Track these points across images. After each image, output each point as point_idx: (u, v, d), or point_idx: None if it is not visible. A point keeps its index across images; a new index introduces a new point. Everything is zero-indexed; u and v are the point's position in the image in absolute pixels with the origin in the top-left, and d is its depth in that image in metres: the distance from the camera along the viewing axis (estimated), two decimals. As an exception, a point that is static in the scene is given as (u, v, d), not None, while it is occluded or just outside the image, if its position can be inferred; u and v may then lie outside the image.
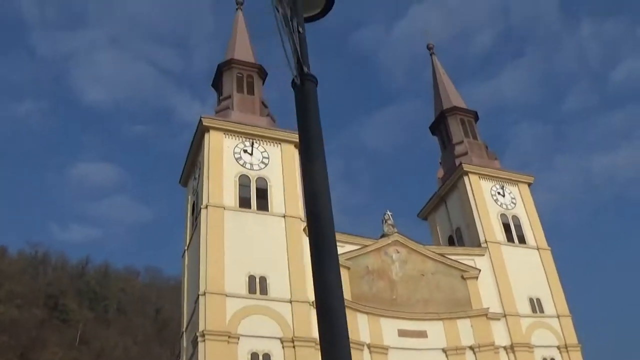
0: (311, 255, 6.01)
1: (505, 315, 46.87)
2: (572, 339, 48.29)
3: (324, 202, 6.24)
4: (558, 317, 48.99)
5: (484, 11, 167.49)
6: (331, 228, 6.05)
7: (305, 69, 6.75)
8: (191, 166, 48.67)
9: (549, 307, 49.30)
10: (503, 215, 52.69)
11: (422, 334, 44.05)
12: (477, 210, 51.32)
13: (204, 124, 45.46)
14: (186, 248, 46.42)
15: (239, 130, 46.48)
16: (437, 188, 56.41)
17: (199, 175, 46.24)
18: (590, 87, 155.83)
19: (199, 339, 37.63)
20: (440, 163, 58.28)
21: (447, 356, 43.89)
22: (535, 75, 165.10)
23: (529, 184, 55.76)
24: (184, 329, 43.34)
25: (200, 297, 39.14)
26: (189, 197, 48.57)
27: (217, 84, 52.74)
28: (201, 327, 38.01)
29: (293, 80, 6.76)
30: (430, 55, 64.21)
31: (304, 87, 6.73)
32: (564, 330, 48.48)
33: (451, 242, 53.11)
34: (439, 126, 59.64)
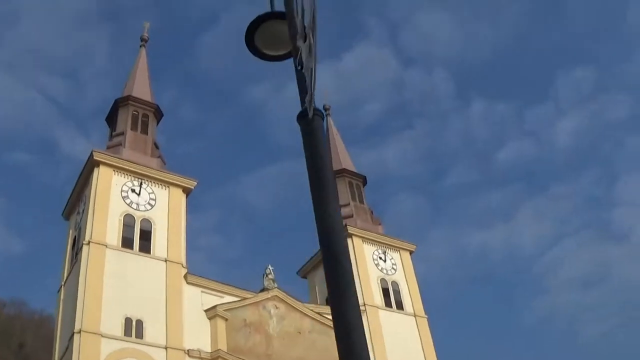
0: (329, 294, 6.38)
1: (379, 381, 48.58)
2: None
3: (339, 237, 6.69)
4: (430, 385, 51.20)
5: (379, 82, 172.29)
6: (348, 263, 6.30)
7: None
8: (76, 200, 48.73)
9: (421, 375, 51.43)
10: (383, 280, 54.87)
11: (294, 392, 45.12)
12: (358, 273, 53.11)
13: (94, 158, 45.86)
14: (63, 283, 46.08)
15: (129, 168, 47.14)
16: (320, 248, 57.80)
17: (83, 210, 46.33)
18: (473, 166, 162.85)
19: (71, 379, 37.49)
20: (325, 223, 59.83)
21: (318, 417, 45.09)
22: (420, 149, 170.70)
23: (411, 252, 58.36)
24: None
25: (75, 335, 39.07)
26: (71, 231, 48.43)
27: (111, 119, 53.13)
28: (74, 367, 37.91)
29: (301, 113, 7.25)
30: (326, 116, 66.33)
31: (313, 121, 7.11)
32: (436, 398, 50.74)
33: (330, 302, 54.38)
34: (326, 187, 61.31)
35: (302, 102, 7.38)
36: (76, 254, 45.08)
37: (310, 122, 7.12)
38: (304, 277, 59.14)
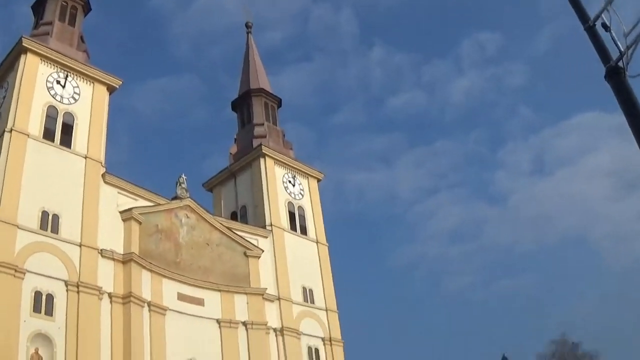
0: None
1: (279, 299, 48.87)
2: (337, 333, 51.65)
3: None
4: (326, 310, 52.05)
5: (286, 10, 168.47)
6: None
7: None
8: (-4, 86, 45.54)
9: (319, 299, 52.21)
10: (290, 204, 54.73)
11: (199, 302, 44.70)
12: (268, 193, 52.84)
13: (23, 44, 42.75)
14: (-23, 169, 43.30)
15: (56, 58, 44.33)
16: (229, 163, 57.15)
17: (4, 97, 43.44)
18: (364, 109, 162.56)
19: (-16, 267, 35.49)
20: (235, 140, 59.02)
21: (220, 327, 44.88)
22: (315, 83, 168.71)
23: (318, 180, 58.29)
24: None
25: (-10, 224, 36.91)
26: (-12, 116, 45.36)
27: (37, 8, 49.69)
28: (-13, 255, 35.89)
29: (612, 70, 7.48)
30: (247, 33, 64.95)
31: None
32: (330, 324, 51.59)
33: (234, 218, 53.94)
34: (241, 104, 60.48)
35: (604, 60, 7.15)
36: (-5, 139, 42.49)
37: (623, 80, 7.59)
38: (210, 190, 58.22)
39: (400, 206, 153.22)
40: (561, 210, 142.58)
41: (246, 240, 48.91)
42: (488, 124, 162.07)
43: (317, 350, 50.04)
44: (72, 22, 48.79)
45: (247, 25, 65.40)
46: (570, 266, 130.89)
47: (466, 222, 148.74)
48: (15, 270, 36.05)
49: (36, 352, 35.55)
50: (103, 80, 46.36)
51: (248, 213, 53.79)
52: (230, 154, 57.80)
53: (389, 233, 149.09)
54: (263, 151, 54.17)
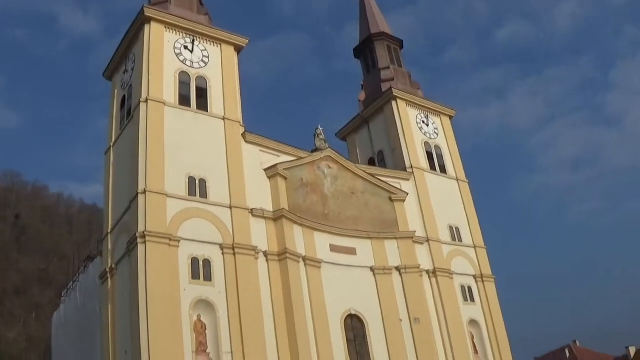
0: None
1: (428, 240, 45.92)
2: (487, 270, 48.50)
3: None
4: (475, 247, 48.96)
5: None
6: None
7: None
8: (121, 58, 43.63)
9: (466, 237, 49.14)
10: (427, 144, 51.42)
11: (351, 251, 42.20)
12: (404, 136, 49.68)
13: (145, 14, 40.48)
14: (112, 144, 41.75)
15: (180, 24, 41.99)
16: (360, 110, 54.16)
17: (133, 69, 41.56)
18: (472, 44, 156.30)
19: (139, 240, 33.60)
20: (362, 86, 55.87)
21: (374, 275, 42.31)
22: (421, 23, 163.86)
23: (451, 117, 54.71)
24: (108, 231, 39.09)
25: (139, 195, 34.99)
26: (116, 91, 43.60)
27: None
28: (141, 228, 33.96)
29: None
30: (363, -23, 61.19)
31: None
32: (480, 261, 48.58)
33: (371, 163, 50.97)
34: (364, 50, 57.15)
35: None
36: (128, 113, 40.73)
37: None
38: (343, 139, 55.35)
39: (519, 137, 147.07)
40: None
41: (390, 185, 45.93)
42: (596, 47, 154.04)
43: (470, 289, 47.00)
44: (187, -14, 46.25)
45: (361, -27, 61.43)
46: None
47: (585, 148, 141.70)
48: (170, 239, 34.39)
49: (199, 319, 33.98)
50: (230, 40, 43.83)
51: (386, 157, 50.73)
52: (360, 100, 54.72)
53: (509, 165, 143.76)
54: (394, 94, 50.77)
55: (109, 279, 37.55)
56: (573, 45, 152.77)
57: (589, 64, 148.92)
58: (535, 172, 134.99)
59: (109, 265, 37.76)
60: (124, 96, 42.14)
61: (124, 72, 42.99)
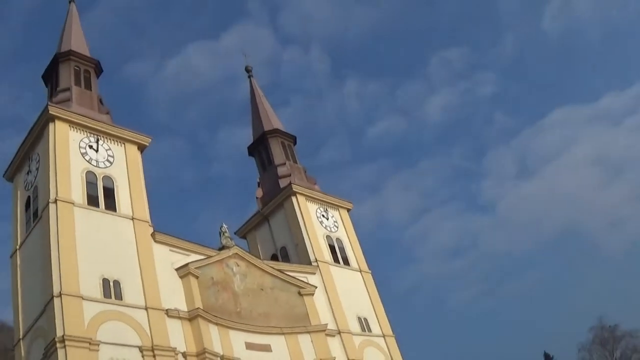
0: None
1: (339, 332, 46.01)
2: (398, 356, 48.61)
3: None
4: (384, 336, 49.23)
5: (258, 60, 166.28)
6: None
7: None
8: (23, 159, 42.29)
9: (375, 327, 49.45)
10: (328, 237, 52.12)
11: (267, 348, 41.54)
12: (307, 230, 50.20)
13: (50, 112, 39.73)
14: (18, 247, 39.91)
15: (84, 123, 41.38)
16: (258, 207, 54.35)
17: (37, 169, 40.32)
18: (346, 142, 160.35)
19: (58, 345, 31.88)
20: (259, 183, 56.23)
21: (291, 371, 41.85)
22: (297, 123, 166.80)
23: (348, 210, 55.78)
24: (20, 337, 36.88)
25: (54, 298, 33.38)
26: (19, 192, 42.04)
27: (49, 76, 46.88)
28: (59, 332, 32.17)
29: None
30: (249, 77, 62.47)
31: None
32: (390, 349, 48.77)
33: (274, 260, 50.97)
34: (257, 147, 57.83)
35: None
36: (35, 214, 39.26)
37: None
38: (243, 236, 55.15)
39: (395, 231, 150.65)
40: (552, 207, 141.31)
41: (297, 279, 46.07)
42: (467, 136, 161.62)
43: (384, 377, 47.26)
44: (88, 86, 45.92)
45: (247, 70, 62.79)
46: (570, 261, 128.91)
47: (461, 236, 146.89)
48: (90, 343, 32.78)
49: None
50: (133, 139, 43.51)
51: (289, 253, 50.91)
52: (257, 198, 54.93)
53: (387, 259, 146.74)
54: (294, 189, 51.46)
55: (23, 389, 35.29)
56: (445, 136, 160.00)
57: (462, 153, 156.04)
58: (414, 263, 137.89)
59: (22, 374, 35.50)
60: (29, 197, 40.61)
61: (27, 173, 41.58)
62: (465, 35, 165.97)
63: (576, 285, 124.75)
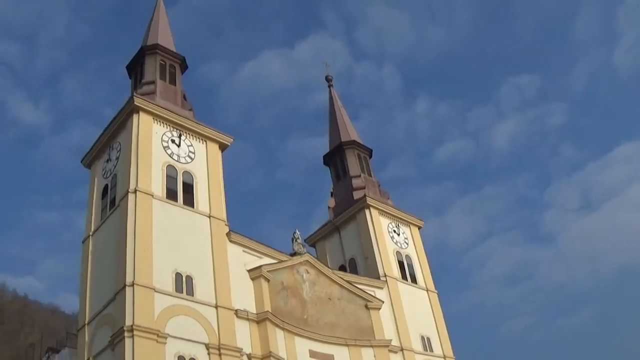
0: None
1: (402, 349, 44.94)
2: (457, 379, 47.56)
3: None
4: (444, 357, 48.08)
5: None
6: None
7: None
8: (104, 146, 42.42)
9: (436, 347, 48.38)
10: (398, 253, 51.20)
11: (330, 358, 40.80)
12: (377, 244, 49.42)
13: (135, 103, 39.78)
14: (91, 234, 39.98)
15: (168, 117, 41.36)
16: (330, 217, 53.78)
17: (118, 158, 40.40)
18: (413, 160, 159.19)
19: (126, 334, 31.72)
20: (332, 193, 55.71)
21: (352, 383, 41.03)
22: (365, 139, 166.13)
23: (419, 228, 54.85)
24: (85, 322, 36.81)
25: (127, 287, 33.29)
26: (96, 179, 42.20)
27: (133, 67, 47.18)
28: (128, 322, 32.03)
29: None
30: (329, 87, 62.15)
31: None
32: (451, 371, 47.59)
33: (342, 270, 50.22)
34: (333, 157, 57.34)
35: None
36: (112, 202, 39.33)
37: None
38: (312, 245, 54.55)
39: (454, 254, 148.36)
40: (613, 243, 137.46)
41: (365, 292, 45.25)
42: (533, 165, 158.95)
43: (441, 398, 46.17)
44: (172, 81, 45.95)
45: (327, 79, 62.56)
46: (628, 299, 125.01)
47: (520, 265, 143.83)
48: (158, 335, 32.57)
49: (181, 421, 31.90)
50: (215, 138, 43.43)
51: (358, 265, 50.14)
52: (329, 207, 54.38)
53: (444, 281, 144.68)
54: (368, 202, 50.78)
55: (83, 373, 35.19)
56: (511, 163, 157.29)
57: (526, 182, 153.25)
58: (470, 288, 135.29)
59: (86, 358, 35.33)
60: (106, 185, 40.73)
61: (107, 161, 41.71)
62: (537, 62, 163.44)
63: (632, 326, 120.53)
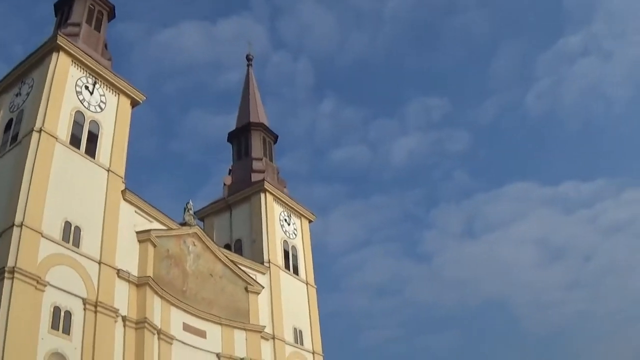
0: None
1: (274, 338, 45.15)
2: (322, 378, 48.12)
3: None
4: (313, 353, 48.56)
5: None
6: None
7: None
8: (15, 80, 40.33)
9: (307, 341, 48.91)
10: (285, 242, 51.27)
11: (202, 334, 40.58)
12: (267, 230, 49.34)
13: (57, 41, 38.16)
14: (-18, 167, 38.02)
15: (86, 62, 39.96)
16: (224, 194, 53.24)
17: (28, 94, 38.61)
18: (307, 158, 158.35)
19: (6, 275, 30.31)
20: (230, 171, 55.14)
21: (219, 362, 40.84)
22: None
23: (310, 221, 55.02)
24: None
25: (15, 228, 31.83)
26: (1, 111, 39.97)
27: (61, 6, 45.07)
28: (10, 263, 30.71)
29: None
30: (248, 65, 61.66)
31: None
32: (317, 368, 48.07)
33: (227, 250, 49.89)
34: (238, 136, 56.78)
35: None
36: (14, 138, 37.50)
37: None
38: (200, 219, 53.75)
39: (331, 254, 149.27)
40: (485, 274, 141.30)
41: (247, 275, 45.10)
42: (425, 184, 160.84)
43: (302, 395, 46.57)
44: (97, 27, 44.33)
45: (247, 58, 62.14)
46: (490, 329, 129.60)
47: (392, 277, 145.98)
48: (38, 282, 31.35)
49: (50, 372, 30.80)
50: (129, 93, 42.23)
51: (244, 247, 49.80)
52: (225, 184, 53.81)
53: (319, 278, 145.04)
54: (265, 187, 50.60)
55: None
56: (404, 178, 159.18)
57: (414, 199, 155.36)
58: (341, 290, 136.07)
59: (-48, 294, 33.54)
60: (11, 119, 38.81)
61: (17, 95, 39.75)
62: (450, 88, 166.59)
63: (490, 355, 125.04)
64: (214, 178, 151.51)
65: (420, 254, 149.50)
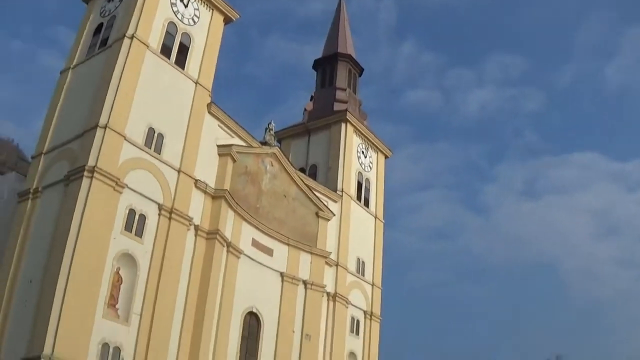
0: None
1: (337, 265, 45.04)
2: (377, 309, 48.44)
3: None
4: (373, 285, 48.45)
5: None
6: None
7: None
8: (109, -15, 40.32)
9: (368, 273, 48.63)
10: (360, 174, 50.70)
11: (269, 252, 40.79)
12: (344, 159, 48.76)
13: (152, -48, 37.77)
14: (72, 66, 38.17)
15: (182, -26, 39.55)
16: (304, 119, 52.80)
17: (121, 0, 38.56)
18: (380, 95, 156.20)
19: (86, 173, 30.84)
20: (312, 97, 54.53)
21: (283, 281, 41.01)
22: None
23: (386, 157, 54.25)
24: (43, 151, 35.30)
25: (98, 128, 32.18)
26: (92, 15, 40.08)
27: None
28: (91, 162, 31.19)
29: None
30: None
31: None
32: (374, 300, 48.15)
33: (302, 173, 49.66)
34: (323, 64, 55.92)
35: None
36: (103, 42, 37.56)
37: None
38: (278, 140, 53.39)
39: (389, 193, 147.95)
40: (540, 235, 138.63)
41: (320, 201, 44.88)
42: (493, 138, 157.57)
43: (358, 322, 46.50)
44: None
45: (342, -7, 60.60)
46: (535, 289, 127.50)
47: (447, 224, 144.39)
48: (117, 184, 31.79)
49: (117, 271, 31.35)
50: (222, 9, 41.75)
51: (318, 173, 49.35)
52: (305, 110, 53.30)
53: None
54: (347, 117, 49.76)
55: (30, 200, 34.15)
56: (473, 129, 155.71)
57: (480, 152, 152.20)
58: (397, 230, 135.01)
59: (34, 187, 34.19)
60: (101, 24, 38.82)
61: (108, 1, 39.75)
62: (531, 47, 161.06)
63: (536, 316, 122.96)
64: (285, 104, 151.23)
65: (479, 205, 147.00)
